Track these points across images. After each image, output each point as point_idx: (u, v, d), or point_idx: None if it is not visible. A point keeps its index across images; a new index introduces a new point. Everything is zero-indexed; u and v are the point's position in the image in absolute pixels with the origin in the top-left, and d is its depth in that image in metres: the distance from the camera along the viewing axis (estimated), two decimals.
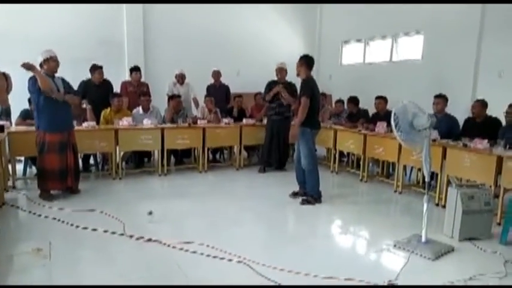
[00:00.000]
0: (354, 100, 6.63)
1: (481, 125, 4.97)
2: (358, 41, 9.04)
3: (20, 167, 5.50)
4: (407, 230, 3.71)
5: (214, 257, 3.16)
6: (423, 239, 3.39)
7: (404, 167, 5.43)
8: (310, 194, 4.70)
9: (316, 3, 9.93)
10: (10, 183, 4.99)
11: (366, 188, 5.60)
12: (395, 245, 3.48)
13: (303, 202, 4.66)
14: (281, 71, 5.90)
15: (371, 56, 8.78)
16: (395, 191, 5.26)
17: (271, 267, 2.98)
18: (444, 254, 3.30)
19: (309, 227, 4.08)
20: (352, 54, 9.33)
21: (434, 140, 4.73)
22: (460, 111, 5.61)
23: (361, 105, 6.69)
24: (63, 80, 4.57)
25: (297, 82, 5.61)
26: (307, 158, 4.64)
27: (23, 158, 5.57)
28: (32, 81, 4.33)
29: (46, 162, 4.43)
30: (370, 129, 5.76)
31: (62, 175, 4.51)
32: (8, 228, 3.67)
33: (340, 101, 7.09)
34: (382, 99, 6.08)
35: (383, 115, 5.93)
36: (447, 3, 6.73)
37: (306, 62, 4.69)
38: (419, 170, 5.27)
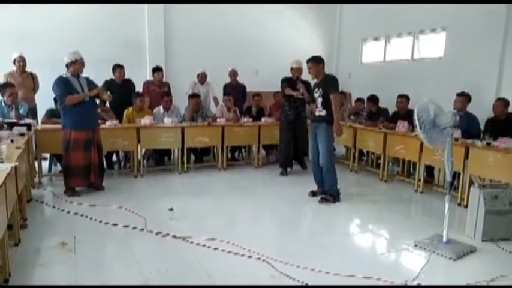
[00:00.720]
0: (373, 99, 6.56)
1: (504, 123, 4.85)
2: (379, 38, 8.93)
3: (45, 164, 5.67)
4: (429, 230, 3.66)
5: (236, 253, 3.20)
6: (444, 239, 3.35)
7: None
8: (328, 192, 4.70)
9: (336, 3, 9.85)
10: (36, 179, 5.16)
11: (385, 187, 5.54)
12: (415, 245, 3.44)
13: (322, 200, 4.65)
14: (298, 70, 5.76)
15: (391, 54, 8.66)
16: (416, 191, 5.19)
17: (289, 264, 3.00)
18: (466, 255, 3.25)
19: (328, 225, 4.07)
20: (372, 52, 9.22)
21: (456, 139, 4.66)
22: (483, 110, 5.48)
23: (381, 104, 6.61)
24: (87, 79, 4.70)
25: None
26: (325, 155, 4.63)
27: (48, 156, 5.74)
28: (59, 82, 4.48)
29: (71, 160, 4.57)
30: (391, 128, 5.70)
31: (85, 172, 4.64)
32: (35, 223, 3.80)
33: (360, 100, 7.03)
34: (404, 98, 6.00)
35: (403, 114, 5.87)
36: (470, 3, 6.56)
37: (321, 61, 4.70)
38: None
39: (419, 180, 5.18)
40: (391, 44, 8.67)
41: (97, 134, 4.78)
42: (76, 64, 4.53)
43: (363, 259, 3.26)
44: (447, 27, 7.23)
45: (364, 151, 6.72)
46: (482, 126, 5.23)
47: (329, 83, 4.62)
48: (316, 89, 4.74)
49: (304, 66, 5.16)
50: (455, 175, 4.60)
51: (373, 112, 6.53)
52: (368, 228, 4.04)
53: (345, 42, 9.91)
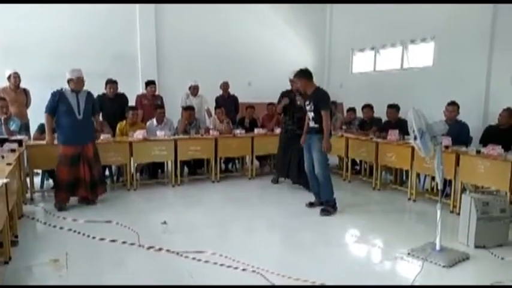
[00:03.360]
0: (369, 105, 6.61)
1: (505, 132, 4.95)
2: (369, 48, 9.05)
3: (37, 180, 5.61)
4: (422, 238, 3.67)
5: (228, 266, 3.18)
6: (437, 247, 3.36)
7: (418, 175, 5.40)
8: (327, 203, 4.68)
9: (326, 3, 9.98)
10: (28, 195, 5.11)
11: (379, 196, 5.56)
12: (409, 253, 3.45)
13: (324, 213, 4.58)
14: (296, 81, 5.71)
15: (382, 63, 8.77)
16: (409, 199, 5.22)
17: (284, 276, 2.98)
18: (459, 262, 3.26)
19: (322, 236, 4.07)
20: (362, 62, 9.35)
21: (447, 147, 4.72)
22: (472, 118, 5.55)
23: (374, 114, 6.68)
24: (88, 95, 4.74)
25: None
26: (320, 165, 4.64)
27: (40, 171, 5.70)
28: (52, 94, 4.55)
29: (59, 174, 4.62)
30: (382, 137, 5.75)
31: (71, 187, 4.65)
32: (27, 239, 3.75)
33: (351, 109, 7.10)
34: (393, 108, 6.08)
35: (394, 123, 5.93)
36: (458, 3, 6.67)
37: (305, 75, 4.65)
38: (433, 178, 5.24)
39: (411, 189, 5.21)
40: (380, 54, 8.79)
41: (88, 149, 4.75)
42: (72, 82, 4.59)
43: (357, 269, 3.25)
44: (435, 36, 7.36)
45: (357, 160, 6.75)
46: (472, 133, 5.31)
47: (320, 99, 4.61)
48: (308, 102, 4.76)
49: (286, 76, 5.16)
50: (446, 182, 4.65)
51: (365, 121, 6.59)
52: (362, 238, 4.04)
53: (336, 53, 10.03)
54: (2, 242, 3.14)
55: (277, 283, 2.90)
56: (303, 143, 4.93)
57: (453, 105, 5.24)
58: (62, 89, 4.60)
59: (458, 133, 5.07)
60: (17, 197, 4.00)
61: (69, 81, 4.60)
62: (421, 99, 7.02)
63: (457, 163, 4.55)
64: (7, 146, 4.25)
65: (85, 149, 4.71)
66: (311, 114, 4.71)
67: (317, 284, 2.88)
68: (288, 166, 5.72)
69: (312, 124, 4.74)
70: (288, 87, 5.81)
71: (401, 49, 8.17)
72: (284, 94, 5.77)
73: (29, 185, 5.15)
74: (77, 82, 4.60)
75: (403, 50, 8.11)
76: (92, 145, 4.83)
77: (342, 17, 9.78)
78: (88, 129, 4.79)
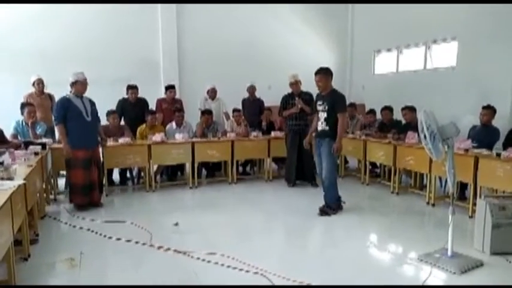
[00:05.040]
0: (388, 108, 6.50)
1: None
2: (391, 49, 8.89)
3: (61, 182, 5.85)
4: (436, 244, 3.56)
5: (234, 268, 3.20)
6: (449, 253, 3.27)
7: (440, 178, 5.25)
8: (328, 204, 4.67)
9: (347, 3, 9.91)
10: (52, 196, 5.34)
11: (397, 199, 5.45)
12: (419, 259, 3.37)
13: (321, 213, 4.62)
14: (295, 83, 5.90)
15: (404, 64, 8.59)
16: (428, 203, 5.09)
17: (290, 279, 2.98)
18: (471, 269, 3.15)
19: (334, 240, 4.05)
20: (384, 63, 9.18)
21: (466, 150, 4.59)
22: (498, 120, 5.33)
23: (394, 115, 6.54)
24: (90, 101, 4.89)
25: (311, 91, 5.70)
26: (328, 170, 4.63)
27: (65, 173, 5.93)
28: (58, 102, 4.77)
29: (73, 178, 4.78)
30: (401, 139, 5.64)
31: (85, 190, 4.79)
32: (47, 238, 3.92)
33: (371, 112, 6.99)
34: (408, 110, 5.94)
35: (414, 125, 5.78)
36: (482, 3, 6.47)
37: (330, 73, 4.69)
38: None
39: (430, 193, 5.07)
40: (403, 54, 8.60)
41: (97, 153, 4.95)
42: (77, 85, 4.73)
43: (363, 274, 3.20)
44: (458, 35, 7.13)
45: (378, 163, 6.64)
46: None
47: (337, 101, 4.60)
48: (321, 102, 4.71)
49: (306, 79, 5.22)
50: (458, 185, 4.51)
51: (385, 123, 6.47)
52: (374, 242, 3.98)
53: (358, 54, 9.90)
54: (21, 240, 3.31)
55: (279, 285, 2.90)
56: (307, 143, 5.02)
57: (487, 109, 5.11)
58: (66, 96, 4.75)
59: (489, 138, 4.94)
60: (39, 197, 4.21)
61: (73, 84, 4.72)
62: (446, 99, 6.83)
63: (476, 166, 4.40)
64: (31, 149, 4.47)
65: (94, 152, 4.88)
66: (324, 115, 4.66)
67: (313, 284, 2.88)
68: (301, 166, 5.98)
69: (321, 127, 4.70)
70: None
71: (424, 49, 7.96)
72: (286, 97, 6.05)
73: (53, 186, 5.39)
74: (83, 84, 4.73)
75: (426, 50, 7.90)
76: (98, 148, 5.03)
77: (363, 18, 9.65)
78: (96, 132, 5.00)
